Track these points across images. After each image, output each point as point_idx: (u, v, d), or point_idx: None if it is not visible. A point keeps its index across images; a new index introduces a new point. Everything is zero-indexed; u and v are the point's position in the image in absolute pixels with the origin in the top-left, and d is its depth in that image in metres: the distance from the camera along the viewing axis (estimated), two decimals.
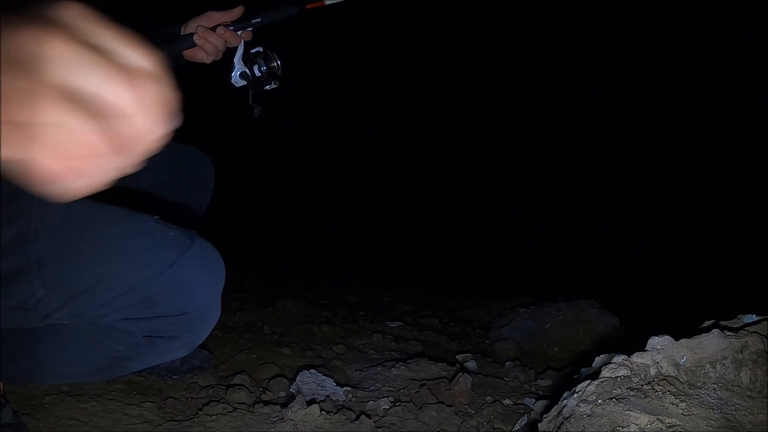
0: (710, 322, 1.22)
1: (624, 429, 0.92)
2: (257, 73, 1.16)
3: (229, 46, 1.15)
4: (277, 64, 1.17)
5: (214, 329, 0.95)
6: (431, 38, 9.17)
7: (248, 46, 1.19)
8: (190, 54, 1.16)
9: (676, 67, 8.12)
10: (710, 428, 0.93)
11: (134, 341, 0.84)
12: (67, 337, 0.85)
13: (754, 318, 1.21)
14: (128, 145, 0.35)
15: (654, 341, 1.13)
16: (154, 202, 1.22)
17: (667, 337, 1.13)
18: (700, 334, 1.12)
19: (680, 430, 0.91)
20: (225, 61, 1.17)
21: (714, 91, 7.57)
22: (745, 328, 1.15)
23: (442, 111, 9.42)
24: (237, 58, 1.15)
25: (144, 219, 0.82)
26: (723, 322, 1.21)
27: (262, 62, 1.15)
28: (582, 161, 8.33)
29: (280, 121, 8.09)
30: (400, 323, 2.76)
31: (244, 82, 1.17)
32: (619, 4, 8.04)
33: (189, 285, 0.80)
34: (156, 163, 1.18)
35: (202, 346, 1.95)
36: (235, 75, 1.15)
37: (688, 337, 1.13)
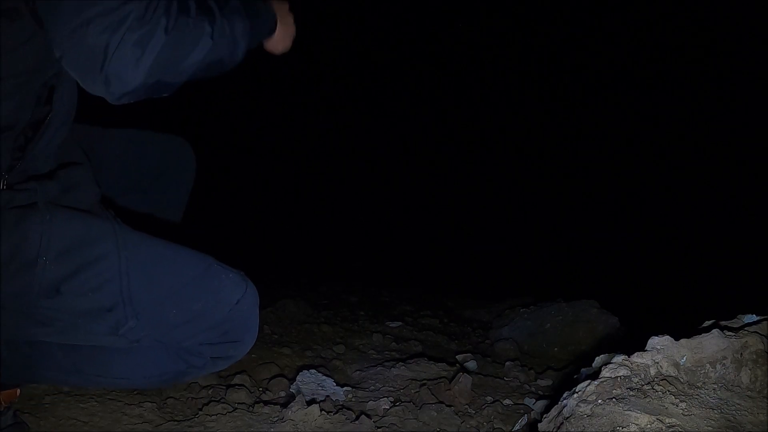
0: (710, 322, 1.22)
1: (624, 429, 0.92)
2: None
3: None
4: None
5: None
6: (431, 36, 9.18)
7: None
8: None
9: (676, 67, 8.12)
10: (710, 428, 0.93)
11: (203, 361, 1.00)
12: (146, 356, 0.98)
13: (754, 318, 1.21)
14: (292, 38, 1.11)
15: (654, 341, 1.13)
16: (142, 194, 1.28)
17: (667, 337, 1.13)
18: (700, 334, 1.12)
19: (680, 430, 0.91)
20: None
21: (714, 91, 7.57)
22: (745, 328, 1.15)
23: (442, 110, 9.42)
24: None
25: (209, 260, 0.99)
26: (723, 322, 1.21)
27: None
28: (582, 161, 8.33)
29: (280, 120, 8.09)
30: (400, 323, 2.76)
31: None
32: (619, 5, 8.04)
33: (248, 317, 0.99)
34: (142, 152, 1.25)
35: None
36: None
37: (688, 337, 1.13)
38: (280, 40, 1.07)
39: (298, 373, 1.80)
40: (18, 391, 1.12)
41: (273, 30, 1.03)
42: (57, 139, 0.92)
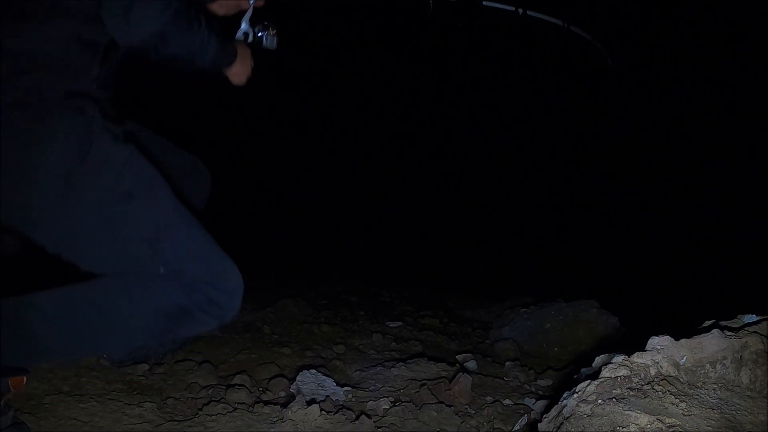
0: (710, 322, 1.22)
1: (624, 429, 0.92)
2: (255, 38, 1.44)
3: (240, 9, 1.45)
4: (271, 39, 1.45)
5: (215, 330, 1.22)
6: (430, 34, 9.17)
7: (259, 13, 1.45)
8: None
9: (675, 67, 8.12)
10: (710, 428, 0.93)
11: (202, 298, 1.21)
12: (158, 287, 1.18)
13: (754, 318, 1.21)
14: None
15: (654, 341, 1.13)
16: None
17: (667, 337, 1.13)
18: (700, 334, 1.12)
19: (680, 430, 0.91)
20: (236, 21, 1.45)
21: (714, 91, 7.57)
22: (745, 328, 1.15)
23: (442, 110, 9.43)
24: (245, 19, 1.43)
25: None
26: (723, 322, 1.21)
27: (261, 30, 1.44)
28: (582, 161, 8.34)
29: (281, 120, 8.09)
30: (400, 323, 2.76)
31: (243, 39, 1.43)
32: (619, 7, 8.04)
33: (239, 282, 1.25)
34: (177, 157, 1.47)
35: (202, 344, 1.96)
36: (239, 33, 1.43)
37: (688, 337, 1.13)
38: (236, 74, 1.37)
39: (298, 373, 1.80)
40: (24, 379, 1.18)
41: (232, 62, 1.34)
42: (120, 60, 1.22)
